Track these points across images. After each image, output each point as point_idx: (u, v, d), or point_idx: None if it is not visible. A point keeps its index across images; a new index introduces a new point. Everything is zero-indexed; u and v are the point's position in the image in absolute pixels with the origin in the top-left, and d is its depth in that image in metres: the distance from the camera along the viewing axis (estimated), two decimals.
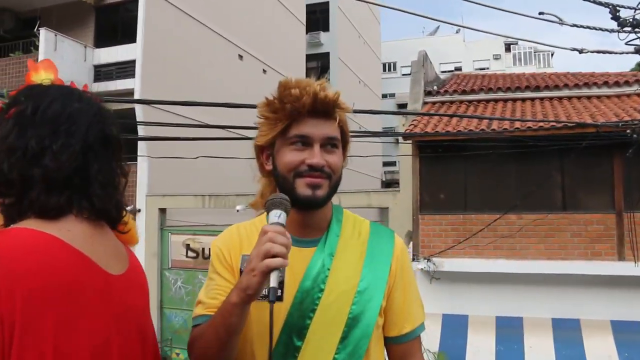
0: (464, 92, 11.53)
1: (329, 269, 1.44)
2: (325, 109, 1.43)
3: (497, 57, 42.08)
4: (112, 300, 1.13)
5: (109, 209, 1.21)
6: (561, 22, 4.91)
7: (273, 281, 1.19)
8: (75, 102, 1.21)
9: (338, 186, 1.49)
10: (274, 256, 1.19)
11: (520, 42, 40.48)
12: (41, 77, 1.30)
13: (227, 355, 1.33)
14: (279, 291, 1.23)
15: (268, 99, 1.48)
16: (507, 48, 42.45)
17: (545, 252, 9.25)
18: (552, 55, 42.76)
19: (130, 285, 1.23)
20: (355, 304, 1.43)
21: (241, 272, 1.40)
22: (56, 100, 1.18)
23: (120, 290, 1.18)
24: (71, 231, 1.11)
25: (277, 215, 1.28)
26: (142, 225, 14.39)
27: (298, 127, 1.43)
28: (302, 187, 1.40)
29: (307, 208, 1.45)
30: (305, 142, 1.42)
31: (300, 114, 1.42)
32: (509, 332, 9.05)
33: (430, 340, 9.13)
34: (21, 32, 16.22)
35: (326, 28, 29.18)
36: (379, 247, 1.53)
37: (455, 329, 9.19)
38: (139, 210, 14.58)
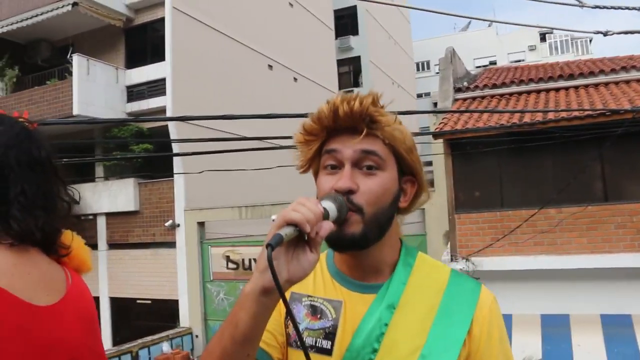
0: (494, 86, 11.26)
1: (386, 325, 1.16)
2: (352, 123, 1.16)
3: (532, 48, 41.19)
4: (34, 333, 1.06)
5: (30, 232, 1.13)
6: (581, 5, 4.72)
7: (283, 230, 0.95)
8: None
9: (385, 223, 1.18)
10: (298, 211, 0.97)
11: (555, 31, 39.58)
12: None
13: None
14: (281, 241, 0.93)
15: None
16: (543, 38, 41.51)
17: (588, 245, 8.91)
18: (590, 41, 41.61)
19: (63, 316, 1.15)
20: None
21: (287, 314, 1.22)
22: None
23: (47, 322, 1.10)
24: None
25: (329, 205, 1.05)
26: (182, 239, 14.61)
27: (328, 144, 1.20)
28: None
29: (340, 249, 1.20)
30: (336, 161, 1.17)
31: (330, 132, 1.20)
32: (556, 330, 8.75)
33: None
34: (56, 60, 16.72)
35: (355, 32, 29.15)
36: (457, 301, 1.19)
37: None
38: (178, 225, 14.81)
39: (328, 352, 1.17)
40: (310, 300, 1.24)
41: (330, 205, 1.06)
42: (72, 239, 1.27)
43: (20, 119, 1.26)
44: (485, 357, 1.16)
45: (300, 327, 1.21)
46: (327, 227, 1.01)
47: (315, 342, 1.19)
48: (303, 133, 1.23)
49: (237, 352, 1.01)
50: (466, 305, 1.18)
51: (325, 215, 1.03)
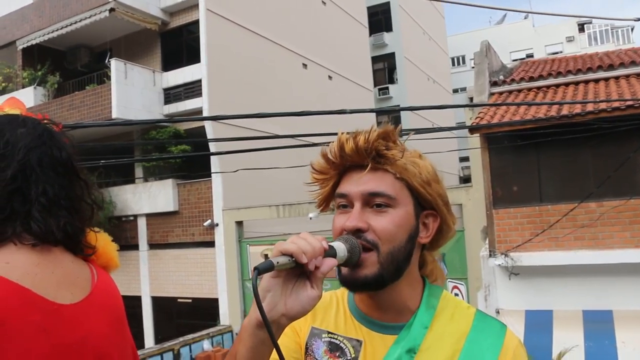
0: (531, 79, 11.07)
1: None
2: (359, 159, 1.14)
3: (570, 39, 40.21)
4: (56, 332, 1.07)
5: (51, 233, 1.14)
6: None
7: (276, 258, 0.95)
8: (18, 128, 1.18)
9: (402, 261, 1.14)
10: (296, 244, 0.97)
11: (594, 21, 38.66)
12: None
13: None
14: (271, 267, 0.93)
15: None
16: (581, 28, 40.47)
17: (632, 239, 8.70)
18: (632, 30, 40.48)
19: (87, 314, 1.15)
20: None
21: (306, 347, 1.23)
22: None
23: (70, 320, 1.10)
24: (9, 263, 1.06)
25: (338, 245, 1.06)
26: (221, 238, 14.77)
27: (340, 185, 1.19)
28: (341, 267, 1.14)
29: (354, 290, 1.18)
30: (347, 201, 1.16)
31: (341, 170, 1.19)
32: (598, 327, 8.57)
33: None
34: (95, 65, 17.10)
35: (389, 28, 29.01)
36: (480, 347, 1.13)
37: (539, 325, 8.81)
38: (217, 225, 14.97)
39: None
40: (331, 337, 1.22)
41: (339, 245, 1.05)
42: (96, 239, 1.28)
43: (44, 121, 1.28)
44: None
45: None
46: (330, 263, 1.00)
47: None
48: (314, 172, 1.23)
49: None
50: (489, 351, 1.12)
51: (331, 253, 1.02)
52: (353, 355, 1.16)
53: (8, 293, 1.01)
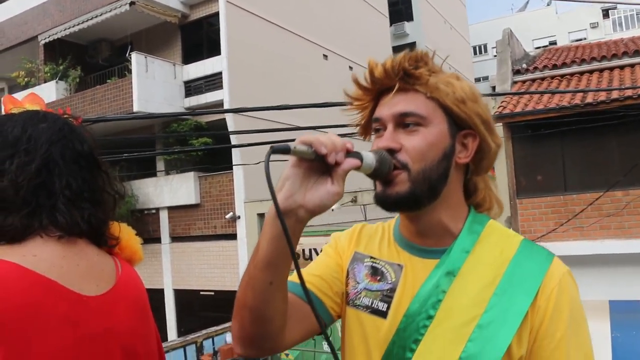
0: (555, 67, 10.93)
1: (444, 292, 1.11)
2: (389, 82, 1.14)
3: (594, 26, 39.50)
4: (82, 323, 1.08)
5: (77, 225, 1.16)
6: None
7: (295, 144, 0.95)
8: (39, 123, 1.20)
9: (437, 181, 1.12)
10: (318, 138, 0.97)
11: (619, 6, 37.97)
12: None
13: (257, 304, 1.06)
14: (287, 150, 0.94)
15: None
16: (605, 14, 39.72)
17: None
18: None
19: (112, 305, 1.17)
20: (472, 341, 1.06)
21: (348, 271, 1.26)
22: (17, 124, 1.18)
23: (96, 312, 1.12)
24: (37, 255, 1.08)
25: (366, 153, 1.06)
26: (243, 231, 14.82)
27: (375, 110, 1.19)
28: (377, 185, 1.14)
29: (387, 208, 1.15)
30: (382, 125, 1.16)
31: (375, 96, 1.20)
32: (626, 317, 8.45)
33: None
34: (116, 59, 17.22)
35: (410, 18, 28.79)
36: (523, 272, 1.10)
37: None
38: (239, 217, 15.02)
39: (383, 314, 1.16)
40: (372, 262, 1.24)
41: (367, 154, 1.05)
42: (119, 230, 1.30)
43: (65, 115, 1.29)
44: (549, 335, 1.06)
45: (359, 287, 1.22)
46: (352, 162, 1.00)
47: (372, 303, 1.18)
48: (350, 101, 1.23)
49: (259, 278, 1.03)
50: (533, 276, 1.09)
51: (356, 156, 1.02)
52: (394, 279, 1.18)
53: (36, 285, 1.03)
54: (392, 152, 1.10)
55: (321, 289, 1.23)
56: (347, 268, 1.27)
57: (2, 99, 1.35)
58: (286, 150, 0.93)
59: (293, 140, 1.02)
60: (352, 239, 1.31)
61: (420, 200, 1.12)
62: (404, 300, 1.14)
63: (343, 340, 1.25)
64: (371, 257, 1.25)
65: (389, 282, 1.18)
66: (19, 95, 1.37)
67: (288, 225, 0.95)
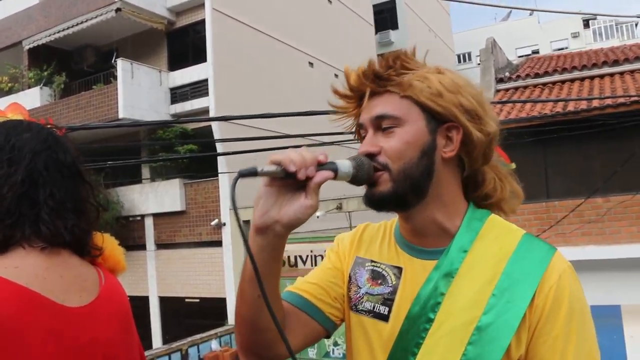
0: (537, 76, 11.10)
1: (442, 294, 1.09)
2: (365, 87, 1.16)
3: (575, 35, 40.01)
4: (66, 334, 1.09)
5: (60, 235, 1.15)
6: None
7: (263, 166, 0.99)
8: (23, 133, 1.20)
9: (420, 178, 1.11)
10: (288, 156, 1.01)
11: (599, 17, 38.48)
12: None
13: (250, 316, 1.10)
14: (254, 173, 0.97)
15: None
16: (586, 24, 40.28)
17: (639, 234, 8.72)
18: (636, 25, 40.29)
19: (96, 316, 1.17)
20: (472, 344, 1.05)
21: (350, 276, 1.27)
22: (0, 134, 1.18)
23: (80, 323, 1.12)
24: (19, 267, 1.08)
25: (342, 161, 1.08)
26: (229, 238, 14.78)
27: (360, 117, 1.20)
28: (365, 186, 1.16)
29: (375, 208, 1.16)
30: (364, 130, 1.18)
31: (357, 101, 1.20)
32: (607, 322, 8.58)
33: None
34: (102, 65, 17.12)
35: (395, 26, 28.96)
36: (522, 269, 1.07)
37: None
38: (224, 224, 14.98)
39: (385, 318, 1.15)
40: (373, 266, 1.23)
41: (343, 162, 1.07)
42: (102, 240, 1.30)
43: (48, 125, 1.30)
44: (544, 334, 1.04)
45: (361, 292, 1.22)
46: (324, 174, 1.02)
47: (374, 307, 1.18)
48: (335, 109, 1.25)
49: (247, 291, 1.07)
50: (532, 274, 1.06)
51: (330, 167, 1.04)
52: (394, 282, 1.18)
53: (18, 297, 1.02)
54: (372, 155, 1.11)
55: (318, 297, 1.24)
56: (350, 273, 1.27)
57: None
58: (253, 173, 0.96)
59: (281, 148, 1.09)
60: (353, 243, 1.31)
61: (405, 199, 1.12)
62: (404, 303, 1.14)
63: (348, 345, 1.25)
64: (372, 261, 1.25)
65: (390, 285, 1.18)
66: (2, 102, 1.38)
67: (267, 241, 1.03)
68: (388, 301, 1.16)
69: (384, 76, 1.13)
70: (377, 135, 1.13)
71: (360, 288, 1.23)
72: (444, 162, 1.14)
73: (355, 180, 1.09)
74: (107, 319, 1.20)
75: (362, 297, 1.21)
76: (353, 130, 1.26)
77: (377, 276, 1.21)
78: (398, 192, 1.11)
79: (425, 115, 1.12)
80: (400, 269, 1.19)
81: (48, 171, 1.17)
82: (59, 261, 1.15)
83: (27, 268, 1.08)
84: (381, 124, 1.13)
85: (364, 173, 1.09)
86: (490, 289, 1.07)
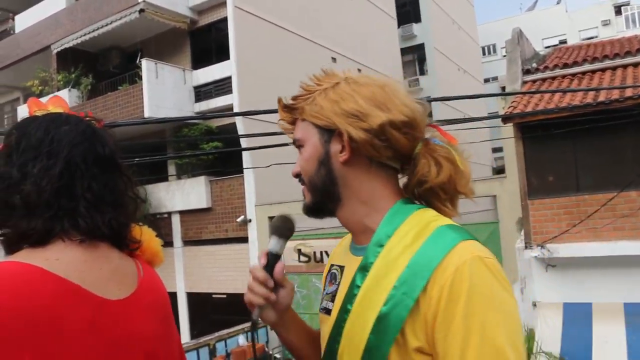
0: (565, 66, 10.81)
1: (358, 287, 1.15)
2: (285, 117, 1.36)
3: (606, 23, 39.00)
4: (106, 327, 1.07)
5: (98, 228, 1.15)
6: None
7: (254, 313, 1.26)
8: (62, 126, 1.20)
9: (323, 185, 1.23)
10: (252, 291, 1.26)
11: (632, 2, 37.59)
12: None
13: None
14: (255, 324, 1.29)
15: None
16: (618, 11, 39.23)
17: None
18: None
19: (135, 310, 1.17)
20: (373, 333, 1.09)
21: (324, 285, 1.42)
22: (40, 127, 1.18)
23: (119, 316, 1.12)
24: (59, 259, 1.08)
25: (272, 243, 1.30)
26: (254, 234, 14.85)
27: None
28: None
29: (311, 217, 1.31)
30: None
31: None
32: None
33: (551, 330, 8.64)
34: (127, 66, 17.35)
35: (418, 19, 28.73)
36: (422, 261, 1.07)
37: (578, 318, 8.61)
38: (250, 220, 15.04)
39: (329, 312, 1.26)
40: (332, 269, 1.35)
41: (273, 243, 1.30)
42: (141, 233, 1.31)
43: (87, 118, 1.30)
44: (442, 329, 1.02)
45: (323, 293, 1.35)
46: (279, 268, 1.26)
47: (326, 305, 1.29)
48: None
49: (294, 354, 1.38)
50: (427, 265, 1.05)
51: (273, 262, 1.26)
52: (339, 280, 1.28)
53: (55, 288, 1.02)
54: (297, 175, 1.29)
55: None
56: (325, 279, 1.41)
57: (27, 102, 1.35)
58: (256, 323, 1.28)
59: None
60: (332, 253, 1.45)
61: (323, 204, 1.26)
62: (339, 298, 1.22)
63: None
64: (332, 265, 1.37)
65: (336, 283, 1.29)
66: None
67: (284, 327, 1.36)
68: (333, 297, 1.27)
69: (291, 107, 1.31)
70: (299, 155, 1.29)
71: (323, 291, 1.36)
72: (348, 165, 1.22)
73: (289, 235, 1.31)
74: (146, 312, 1.20)
75: (322, 298, 1.34)
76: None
77: (332, 277, 1.33)
78: (315, 200, 1.26)
79: (318, 130, 1.24)
80: (342, 267, 1.30)
81: (86, 164, 1.17)
82: (98, 254, 1.15)
83: (68, 260, 1.09)
84: (297, 146, 1.29)
85: (287, 231, 1.32)
86: (393, 281, 1.09)
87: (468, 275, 1.01)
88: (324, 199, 1.25)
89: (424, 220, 1.15)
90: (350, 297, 1.16)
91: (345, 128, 1.18)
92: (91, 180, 1.17)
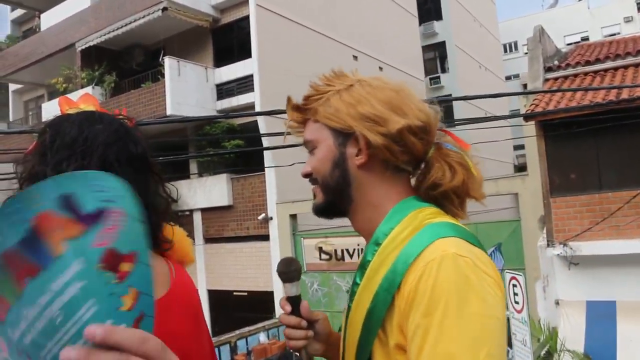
0: (587, 63, 10.75)
1: (357, 284, 1.18)
2: (297, 117, 1.35)
3: (628, 20, 38.41)
4: None
5: None
6: None
7: (302, 358, 1.31)
8: (95, 124, 1.19)
9: (337, 186, 1.23)
10: (292, 338, 1.31)
11: None
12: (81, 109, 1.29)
13: None
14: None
15: None
16: None
17: None
18: None
19: (169, 310, 1.17)
20: (363, 330, 1.14)
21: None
22: (74, 125, 1.17)
23: (156, 317, 1.05)
24: None
25: (287, 290, 1.31)
26: (275, 232, 14.91)
27: None
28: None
29: (319, 217, 1.32)
30: None
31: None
32: None
33: (574, 328, 8.62)
34: (149, 63, 17.51)
35: (439, 17, 28.61)
36: (403, 257, 1.08)
37: (601, 316, 8.57)
38: (271, 218, 15.12)
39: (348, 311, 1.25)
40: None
41: (288, 289, 1.31)
42: (173, 233, 1.30)
43: (119, 116, 1.29)
44: (408, 324, 1.02)
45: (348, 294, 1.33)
46: (305, 308, 1.30)
47: (346, 304, 1.28)
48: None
49: None
50: (405, 262, 1.06)
51: (298, 299, 1.30)
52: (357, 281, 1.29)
53: None
54: (308, 175, 1.29)
55: None
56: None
57: (58, 99, 1.34)
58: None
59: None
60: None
61: (335, 205, 1.27)
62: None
63: None
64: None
65: (357, 282, 1.24)
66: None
67: (331, 348, 1.37)
68: (352, 296, 1.26)
69: (303, 108, 1.31)
70: (309, 156, 1.29)
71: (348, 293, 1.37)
72: (363, 168, 1.22)
73: (298, 276, 1.32)
74: (179, 312, 1.21)
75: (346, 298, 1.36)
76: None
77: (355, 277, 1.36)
78: (328, 201, 1.26)
79: (332, 132, 1.24)
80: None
81: (119, 163, 1.16)
82: None
83: None
84: (307, 147, 1.29)
85: (295, 272, 1.32)
86: (380, 278, 1.11)
87: (433, 273, 0.99)
88: (335, 199, 1.25)
89: (419, 218, 1.15)
90: (351, 295, 1.20)
91: (362, 132, 1.18)
92: (124, 180, 1.14)
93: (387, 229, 1.16)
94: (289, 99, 1.36)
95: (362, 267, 1.18)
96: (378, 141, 1.17)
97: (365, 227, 1.24)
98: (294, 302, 1.29)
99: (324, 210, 1.28)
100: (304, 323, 1.28)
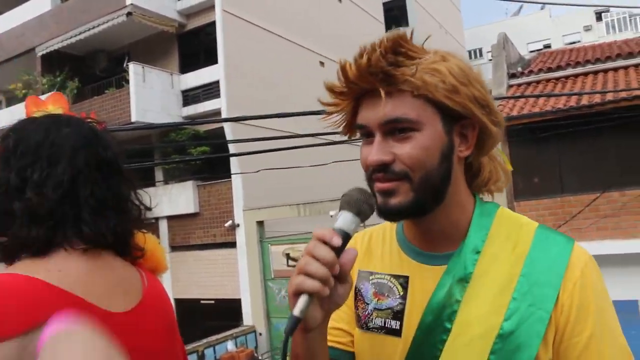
0: (549, 70, 11.01)
1: (458, 301, 1.00)
2: (367, 84, 1.00)
3: (588, 29, 39.58)
4: (111, 341, 1.00)
5: (102, 235, 1.09)
6: None
7: (297, 307, 0.87)
8: (63, 128, 1.13)
9: (441, 184, 1.01)
10: (309, 274, 0.88)
11: (612, 9, 38.08)
12: (49, 111, 1.23)
13: None
14: (298, 322, 0.88)
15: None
16: (599, 17, 39.84)
17: None
18: None
19: (140, 322, 1.12)
20: (495, 353, 0.96)
21: (356, 292, 1.16)
22: (39, 129, 1.12)
23: (125, 328, 1.06)
24: (62, 270, 1.02)
25: (344, 220, 0.94)
26: (242, 239, 14.82)
27: (359, 113, 1.05)
28: (377, 195, 1.01)
29: (391, 220, 1.05)
30: (368, 133, 1.03)
31: (354, 95, 1.05)
32: (625, 317, 8.46)
33: None
34: (114, 69, 17.24)
35: (405, 23, 28.86)
36: (542, 268, 0.99)
37: None
38: (238, 225, 15.01)
39: (397, 332, 1.06)
40: (378, 278, 1.13)
41: (346, 221, 0.93)
42: (145, 240, 1.25)
43: (88, 120, 1.23)
44: (576, 335, 0.96)
45: (369, 308, 1.12)
46: (352, 256, 0.92)
47: (385, 323, 1.09)
48: (326, 107, 1.11)
49: None
50: (553, 272, 0.98)
51: (345, 241, 0.92)
52: (401, 294, 1.08)
53: (63, 303, 0.97)
54: (384, 165, 0.99)
55: (341, 341, 1.17)
56: (355, 288, 1.16)
57: (25, 100, 1.28)
58: (297, 323, 0.87)
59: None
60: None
61: (425, 207, 1.01)
62: (415, 314, 1.05)
63: None
64: (375, 273, 1.15)
65: (397, 297, 1.09)
66: (18, 109, 1.32)
67: (312, 338, 0.96)
68: (398, 314, 1.07)
69: (394, 75, 0.97)
70: (388, 140, 0.99)
71: (367, 305, 1.13)
72: (459, 162, 1.05)
73: (368, 214, 0.97)
74: (152, 323, 1.15)
75: (371, 314, 1.12)
76: (340, 127, 1.13)
77: (382, 289, 1.12)
78: (420, 202, 1.00)
79: (440, 114, 0.99)
80: (406, 278, 1.09)
81: (89, 168, 1.11)
82: (102, 263, 1.10)
83: (70, 272, 1.03)
84: (394, 127, 0.98)
85: (368, 210, 0.96)
86: (509, 293, 0.98)
87: (590, 278, 0.98)
88: (431, 198, 1.01)
89: (512, 221, 1.08)
90: (447, 313, 1.00)
91: (481, 120, 1.00)
92: (94, 186, 1.11)
93: (483, 235, 1.04)
94: (374, 55, 0.97)
95: (463, 280, 1.01)
96: (496, 131, 1.03)
97: (447, 230, 1.07)
98: (345, 240, 0.92)
99: (409, 211, 1.01)
100: (336, 269, 0.90)
